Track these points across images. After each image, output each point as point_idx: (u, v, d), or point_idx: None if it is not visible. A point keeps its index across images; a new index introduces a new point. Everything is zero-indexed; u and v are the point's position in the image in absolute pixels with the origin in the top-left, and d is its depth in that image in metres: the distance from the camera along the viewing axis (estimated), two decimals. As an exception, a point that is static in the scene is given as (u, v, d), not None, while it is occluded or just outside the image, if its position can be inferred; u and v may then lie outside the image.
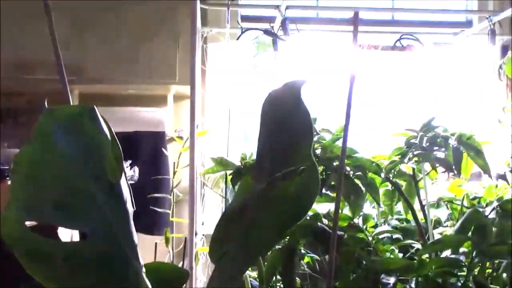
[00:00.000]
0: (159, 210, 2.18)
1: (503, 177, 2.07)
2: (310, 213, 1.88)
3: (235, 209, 1.12)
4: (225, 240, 1.07)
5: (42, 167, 0.84)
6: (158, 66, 2.53)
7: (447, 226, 2.22)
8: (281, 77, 2.84)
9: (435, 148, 1.87)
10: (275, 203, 0.93)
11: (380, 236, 2.01)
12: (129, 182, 1.54)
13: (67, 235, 1.17)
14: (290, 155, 0.96)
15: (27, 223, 0.85)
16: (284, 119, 1.02)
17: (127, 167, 1.65)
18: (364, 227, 2.14)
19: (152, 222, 2.37)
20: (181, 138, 2.51)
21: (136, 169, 1.74)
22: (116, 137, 1.01)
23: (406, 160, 1.89)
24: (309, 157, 0.85)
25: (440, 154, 1.87)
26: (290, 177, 0.89)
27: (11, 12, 2.35)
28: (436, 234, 2.11)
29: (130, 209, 1.00)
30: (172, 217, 2.29)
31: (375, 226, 2.19)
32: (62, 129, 0.86)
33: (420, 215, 2.05)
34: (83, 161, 0.88)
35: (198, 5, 2.17)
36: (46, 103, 0.85)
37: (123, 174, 0.98)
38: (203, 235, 2.50)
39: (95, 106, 0.91)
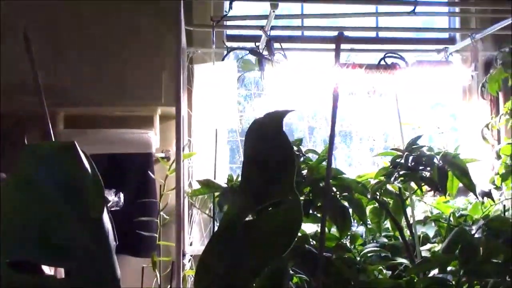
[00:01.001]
0: (145, 234, 2.16)
1: (488, 194, 2.08)
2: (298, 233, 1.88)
3: (221, 239, 1.11)
4: (211, 271, 1.06)
5: (24, 207, 0.83)
6: (143, 88, 2.53)
7: (435, 242, 2.23)
8: (267, 97, 2.86)
9: (420, 167, 1.88)
10: (260, 236, 0.93)
11: (369, 254, 2.01)
12: (115, 208, 1.53)
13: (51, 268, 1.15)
14: (273, 186, 0.96)
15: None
16: (267, 149, 1.02)
17: (112, 194, 1.64)
18: (352, 246, 2.15)
19: (139, 245, 2.35)
20: (168, 159, 2.50)
21: (121, 195, 1.72)
22: (97, 167, 1.01)
23: (392, 179, 1.89)
24: (292, 191, 0.85)
25: (426, 173, 1.88)
26: (274, 210, 0.89)
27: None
28: (424, 250, 2.12)
29: (113, 243, 1.00)
30: (160, 239, 2.27)
31: (364, 244, 2.20)
32: (43, 167, 0.85)
33: (408, 232, 2.06)
34: (64, 198, 0.88)
35: (183, 27, 2.18)
36: (26, 139, 0.84)
37: (105, 208, 0.97)
38: (191, 256, 2.48)
39: (75, 142, 0.90)
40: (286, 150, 0.92)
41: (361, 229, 2.26)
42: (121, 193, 1.74)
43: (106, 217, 0.98)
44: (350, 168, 3.14)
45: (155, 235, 2.25)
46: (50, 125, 1.28)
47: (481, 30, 2.54)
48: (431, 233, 2.26)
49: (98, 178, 0.95)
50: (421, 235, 2.21)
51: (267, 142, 0.98)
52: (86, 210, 0.92)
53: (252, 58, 2.55)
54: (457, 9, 2.96)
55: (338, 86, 1.50)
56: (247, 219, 1.03)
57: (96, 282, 0.93)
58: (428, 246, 2.18)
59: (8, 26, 2.34)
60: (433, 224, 2.27)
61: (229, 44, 2.69)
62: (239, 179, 2.17)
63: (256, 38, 2.55)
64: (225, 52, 2.55)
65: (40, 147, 0.88)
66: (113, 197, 1.64)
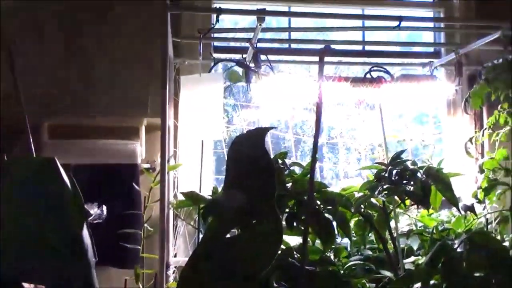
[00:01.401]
0: (129, 246, 2.15)
1: (470, 209, 2.10)
2: (282, 246, 1.88)
3: (203, 254, 1.11)
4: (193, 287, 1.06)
5: (4, 223, 0.82)
6: (129, 98, 2.52)
7: (419, 254, 2.24)
8: (254, 109, 2.87)
9: (404, 181, 1.89)
10: (241, 253, 0.93)
11: (353, 267, 2.01)
12: (97, 221, 1.52)
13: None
14: (255, 205, 0.96)
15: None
16: (248, 165, 1.02)
17: (94, 207, 1.63)
18: (337, 259, 2.15)
19: (122, 256, 2.33)
20: (153, 170, 2.50)
21: (104, 208, 1.71)
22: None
23: (376, 193, 1.90)
24: (273, 211, 0.85)
25: (410, 187, 1.90)
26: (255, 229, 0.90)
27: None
28: (408, 263, 2.13)
29: (92, 259, 0.99)
30: (143, 251, 2.25)
31: (349, 256, 2.20)
32: (22, 183, 0.84)
33: (393, 245, 2.07)
34: (43, 215, 0.87)
35: (170, 38, 2.19)
36: (5, 156, 0.84)
37: (84, 224, 0.97)
38: (175, 267, 2.47)
39: (55, 158, 0.90)
40: (267, 170, 0.93)
41: (346, 241, 2.27)
42: (104, 205, 1.73)
43: (86, 233, 0.97)
44: (336, 180, 3.15)
45: (139, 247, 2.24)
46: (31, 137, 1.27)
47: (466, 45, 2.58)
48: (415, 246, 2.28)
49: (78, 194, 0.95)
50: (405, 248, 2.22)
51: (249, 160, 0.99)
52: (66, 226, 0.91)
53: (239, 69, 2.55)
54: (442, 24, 3.01)
55: (322, 100, 1.51)
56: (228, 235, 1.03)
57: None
58: (412, 258, 2.19)
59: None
60: (417, 236, 2.28)
61: (216, 55, 2.70)
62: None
63: (243, 50, 2.56)
64: (212, 64, 2.56)
65: (19, 163, 0.87)
66: (96, 210, 1.62)
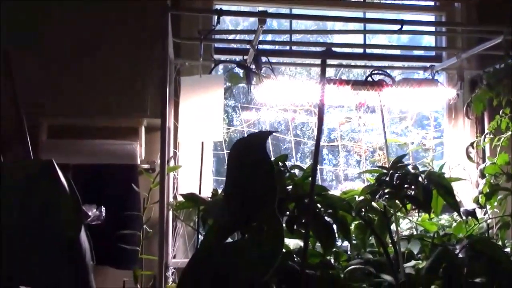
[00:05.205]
0: (127, 247, 2.14)
1: (472, 214, 2.09)
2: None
3: (203, 259, 1.10)
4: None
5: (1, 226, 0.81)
6: (129, 99, 2.51)
7: (419, 258, 2.23)
8: (254, 111, 2.85)
9: (405, 185, 1.87)
10: (241, 258, 0.92)
11: (353, 271, 2.00)
12: (96, 223, 1.50)
13: None
14: (255, 210, 0.95)
15: None
16: (249, 169, 1.01)
17: (93, 208, 1.61)
18: (337, 263, 2.13)
19: (121, 257, 2.32)
20: (153, 170, 2.48)
21: (103, 209, 1.70)
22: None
23: (377, 197, 1.89)
24: (274, 217, 0.84)
25: (411, 192, 1.88)
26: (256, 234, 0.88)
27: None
28: (409, 267, 2.12)
29: (90, 263, 0.97)
30: (142, 253, 2.24)
31: (349, 260, 2.19)
32: (19, 186, 0.83)
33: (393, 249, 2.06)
34: (40, 218, 0.85)
35: (171, 39, 2.18)
36: (1, 158, 0.82)
37: (82, 227, 0.95)
38: (174, 269, 2.46)
39: (53, 160, 0.89)
40: (268, 173, 0.91)
41: (345, 244, 2.26)
42: (102, 207, 1.71)
43: (83, 236, 0.96)
44: (336, 182, 3.14)
45: (138, 248, 2.23)
46: (29, 138, 1.26)
47: (467, 49, 2.57)
48: (415, 250, 2.26)
49: (77, 197, 0.93)
50: (406, 252, 2.21)
51: (250, 163, 0.97)
52: (63, 230, 0.90)
53: (240, 71, 2.54)
54: (443, 29, 3.00)
55: (324, 102, 1.50)
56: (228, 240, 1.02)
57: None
58: (413, 263, 2.17)
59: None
60: (417, 241, 2.27)
61: (217, 56, 2.69)
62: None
63: (244, 51, 2.55)
64: (213, 65, 2.55)
65: (16, 166, 0.86)
66: (94, 211, 1.61)
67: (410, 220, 2.36)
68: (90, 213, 1.55)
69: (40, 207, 0.87)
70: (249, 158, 0.98)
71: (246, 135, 1.12)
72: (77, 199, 0.93)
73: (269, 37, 2.91)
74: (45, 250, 0.89)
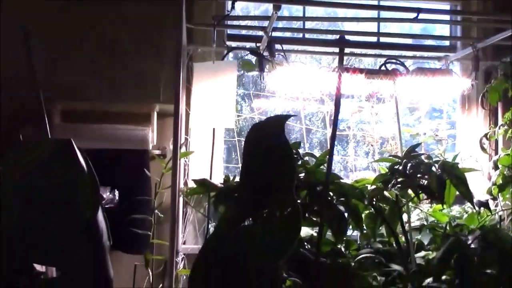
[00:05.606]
0: (139, 231, 2.15)
1: (485, 205, 2.08)
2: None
3: (218, 242, 1.10)
4: (208, 272, 1.04)
5: (16, 208, 0.81)
6: (142, 84, 2.51)
7: (429, 249, 2.22)
8: (265, 98, 2.84)
9: (418, 175, 1.86)
10: (258, 242, 0.92)
11: (363, 260, 2.00)
12: (109, 206, 1.51)
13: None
14: (273, 192, 0.94)
15: None
16: (267, 153, 1.00)
17: (107, 191, 1.62)
18: (347, 251, 2.13)
19: (132, 242, 2.33)
20: (164, 156, 2.48)
21: (116, 192, 1.70)
22: (92, 162, 0.99)
23: (389, 186, 1.88)
24: (292, 198, 0.83)
25: (424, 181, 1.87)
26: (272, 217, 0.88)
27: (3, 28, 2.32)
28: (419, 257, 2.12)
29: (106, 243, 0.98)
30: (153, 238, 2.25)
31: (358, 249, 2.19)
32: (37, 166, 0.83)
33: (403, 239, 2.05)
34: (58, 199, 0.86)
35: (184, 25, 2.16)
36: (21, 136, 0.82)
37: (100, 208, 0.95)
38: (184, 254, 2.47)
39: (71, 139, 0.88)
40: (286, 156, 0.91)
41: (355, 234, 2.25)
42: (116, 190, 1.72)
43: (101, 217, 0.96)
44: (344, 172, 3.13)
45: (149, 233, 2.23)
46: (46, 120, 1.26)
47: (483, 39, 2.54)
48: (425, 240, 2.26)
49: (94, 177, 0.93)
50: (416, 242, 2.20)
51: (268, 147, 0.97)
52: (80, 210, 0.90)
53: (252, 58, 2.53)
54: (458, 18, 2.96)
55: (340, 91, 1.48)
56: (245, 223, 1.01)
57: (88, 282, 0.92)
58: (423, 253, 2.17)
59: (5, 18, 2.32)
60: (427, 231, 2.26)
61: (229, 43, 2.68)
62: (236, 179, 2.16)
63: (256, 38, 2.53)
64: (225, 51, 2.53)
65: (35, 145, 0.86)
66: (108, 194, 1.61)
67: (421, 210, 2.35)
68: (104, 196, 1.55)
69: (58, 186, 0.87)
70: (267, 142, 0.97)
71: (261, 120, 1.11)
72: (95, 180, 0.94)
73: (280, 25, 2.89)
74: (63, 229, 0.89)
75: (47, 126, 1.22)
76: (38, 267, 1.20)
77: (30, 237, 0.88)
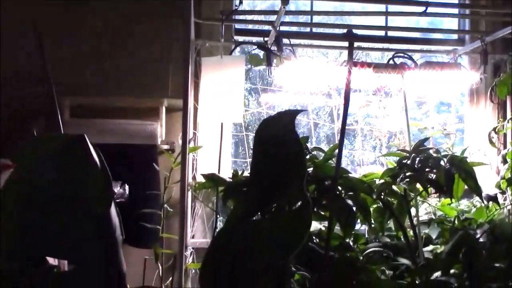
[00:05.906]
0: (148, 226, 2.16)
1: (493, 199, 2.08)
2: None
3: (228, 236, 1.11)
4: (217, 266, 1.05)
5: (30, 202, 0.82)
6: (150, 79, 2.51)
7: (437, 243, 2.23)
8: (273, 93, 2.85)
9: (426, 169, 1.86)
10: (266, 237, 0.92)
11: (371, 254, 2.00)
12: (120, 200, 1.52)
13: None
14: (283, 186, 0.95)
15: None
16: (277, 148, 1.01)
17: (117, 186, 1.63)
18: (355, 245, 2.14)
19: (142, 236, 2.34)
20: (172, 151, 2.50)
21: (127, 187, 1.72)
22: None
23: (397, 180, 1.88)
24: (303, 193, 0.84)
25: (432, 175, 1.87)
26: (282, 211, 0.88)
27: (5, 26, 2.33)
28: (427, 251, 2.12)
29: (119, 237, 0.99)
30: (163, 231, 2.27)
31: (366, 243, 2.19)
32: (51, 161, 0.84)
33: (411, 233, 2.06)
34: (71, 194, 0.87)
35: (192, 20, 2.17)
36: (35, 131, 0.84)
37: (112, 202, 0.97)
38: (193, 248, 2.48)
39: (85, 135, 0.90)
40: (297, 151, 0.91)
41: (363, 228, 2.26)
42: (126, 184, 1.73)
43: (113, 211, 0.97)
44: (351, 167, 3.14)
45: (158, 227, 2.25)
46: (59, 116, 1.28)
47: (491, 33, 2.52)
48: (434, 234, 2.26)
49: (107, 171, 0.94)
50: (424, 236, 2.21)
51: (278, 142, 0.97)
52: (93, 205, 0.91)
53: (260, 52, 2.53)
54: (467, 11, 2.94)
55: (350, 85, 1.49)
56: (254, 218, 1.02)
57: (101, 276, 0.93)
58: (431, 247, 2.17)
59: (8, 16, 2.33)
60: (435, 225, 2.27)
61: (237, 37, 2.68)
62: (244, 174, 2.17)
63: (264, 33, 2.53)
64: (233, 46, 2.54)
65: (48, 140, 0.87)
66: (119, 189, 1.63)
67: (429, 204, 2.35)
68: (115, 190, 1.57)
69: (71, 181, 0.88)
70: (277, 138, 0.98)
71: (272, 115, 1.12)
72: (108, 175, 0.95)
73: (287, 19, 2.88)
74: (75, 222, 0.91)
75: (60, 122, 1.24)
76: (51, 261, 1.22)
77: (42, 230, 0.89)
